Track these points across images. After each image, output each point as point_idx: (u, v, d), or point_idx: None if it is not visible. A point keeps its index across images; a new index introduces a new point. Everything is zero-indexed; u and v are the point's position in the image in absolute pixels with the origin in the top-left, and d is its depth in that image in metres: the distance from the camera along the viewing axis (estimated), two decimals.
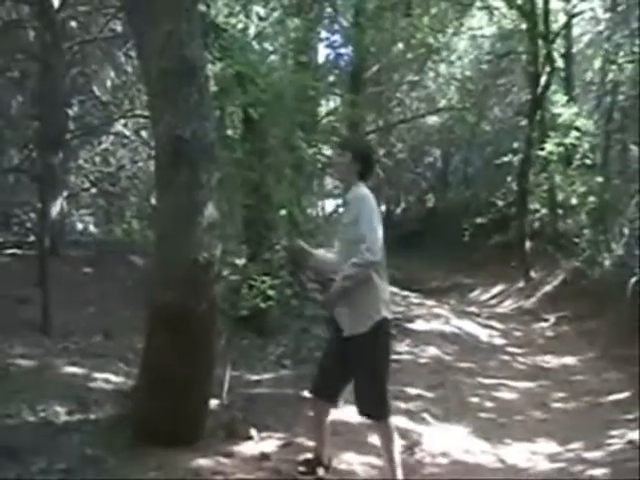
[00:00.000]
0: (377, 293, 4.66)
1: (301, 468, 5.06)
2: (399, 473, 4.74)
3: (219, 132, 8.08)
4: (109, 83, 15.75)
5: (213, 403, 5.99)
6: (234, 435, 5.59)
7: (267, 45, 12.17)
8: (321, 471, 5.02)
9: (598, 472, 5.54)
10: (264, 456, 5.27)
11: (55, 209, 10.99)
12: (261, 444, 5.54)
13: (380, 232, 4.57)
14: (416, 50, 18.75)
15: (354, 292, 4.60)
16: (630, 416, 6.94)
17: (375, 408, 4.74)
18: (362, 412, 4.81)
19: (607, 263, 12.40)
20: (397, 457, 4.77)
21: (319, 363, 5.19)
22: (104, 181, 16.17)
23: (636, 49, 16.13)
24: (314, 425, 5.22)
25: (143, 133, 15.62)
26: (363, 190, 4.75)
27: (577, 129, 15.81)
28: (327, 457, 5.12)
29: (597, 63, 19.15)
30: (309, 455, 5.18)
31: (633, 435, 6.28)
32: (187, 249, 5.08)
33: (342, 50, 14.97)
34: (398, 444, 4.92)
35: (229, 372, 6.51)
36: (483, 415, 7.35)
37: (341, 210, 5.06)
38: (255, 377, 7.83)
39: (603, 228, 13.73)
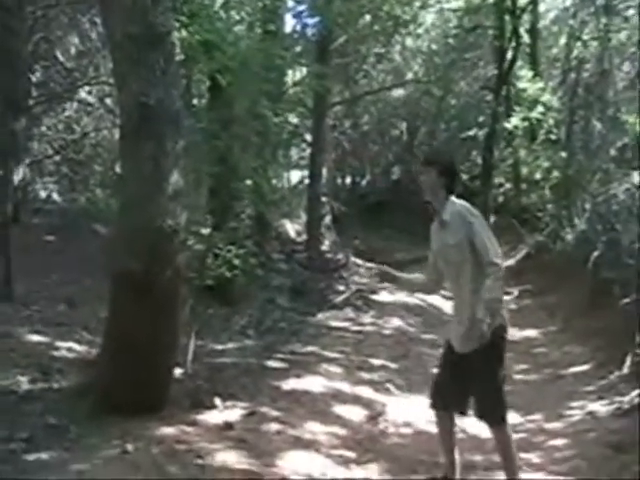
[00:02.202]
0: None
1: None
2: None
3: (185, 100, 8.01)
4: (73, 49, 15.53)
5: (177, 372, 5.98)
6: (198, 404, 5.59)
7: (234, 14, 12.04)
8: None
9: (559, 442, 5.63)
10: (228, 425, 5.27)
11: (18, 176, 10.86)
12: (225, 413, 5.54)
13: (493, 237, 4.44)
14: (383, 22, 18.64)
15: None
16: (590, 388, 7.06)
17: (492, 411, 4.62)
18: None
19: (570, 238, 12.52)
20: (515, 460, 4.62)
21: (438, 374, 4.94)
22: (68, 149, 15.99)
23: (601, 26, 16.24)
24: (442, 440, 4.89)
25: (108, 101, 15.45)
26: (459, 204, 4.52)
27: (542, 104, 15.91)
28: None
29: (562, 39, 19.23)
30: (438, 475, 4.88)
31: (593, 406, 6.39)
32: (151, 217, 5.04)
33: (309, 20, 14.88)
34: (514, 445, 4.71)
35: (193, 341, 6.50)
36: None
37: (435, 231, 4.74)
38: (219, 346, 7.84)
39: (566, 203, 13.85)
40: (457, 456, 4.79)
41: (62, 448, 4.53)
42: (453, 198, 4.55)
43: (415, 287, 5.26)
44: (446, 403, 4.70)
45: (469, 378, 4.57)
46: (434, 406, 4.79)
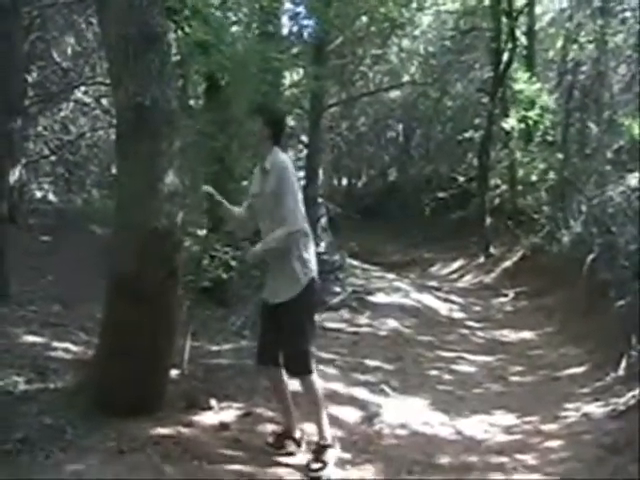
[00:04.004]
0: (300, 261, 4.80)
1: (269, 440, 5.05)
2: (326, 429, 4.88)
3: (181, 101, 8.00)
4: (69, 49, 15.51)
5: (173, 373, 5.97)
6: (194, 405, 5.58)
7: (231, 15, 12.05)
8: (292, 446, 5.02)
9: (554, 444, 5.63)
10: (223, 426, 5.28)
11: (13, 177, 10.82)
12: (221, 414, 5.54)
13: (301, 201, 4.72)
14: (380, 24, 18.64)
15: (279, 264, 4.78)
16: (586, 389, 7.07)
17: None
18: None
19: (565, 239, 12.54)
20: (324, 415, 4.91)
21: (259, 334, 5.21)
22: (64, 149, 15.96)
23: (597, 29, 16.26)
24: (276, 397, 5.20)
25: (104, 101, 15.44)
26: (281, 157, 4.80)
27: (539, 106, 15.95)
28: (298, 431, 5.09)
29: (559, 42, 19.25)
30: (278, 428, 5.18)
31: (588, 408, 6.40)
32: (147, 217, 5.03)
33: (306, 22, 14.91)
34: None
35: (189, 342, 6.49)
36: (441, 387, 7.41)
37: (257, 175, 4.98)
38: (215, 348, 7.82)
39: (562, 205, 13.88)
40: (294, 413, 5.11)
41: (58, 449, 4.52)
42: (278, 149, 4.83)
43: (227, 214, 5.35)
44: (265, 358, 4.98)
45: (279, 330, 4.85)
46: (260, 362, 5.05)
